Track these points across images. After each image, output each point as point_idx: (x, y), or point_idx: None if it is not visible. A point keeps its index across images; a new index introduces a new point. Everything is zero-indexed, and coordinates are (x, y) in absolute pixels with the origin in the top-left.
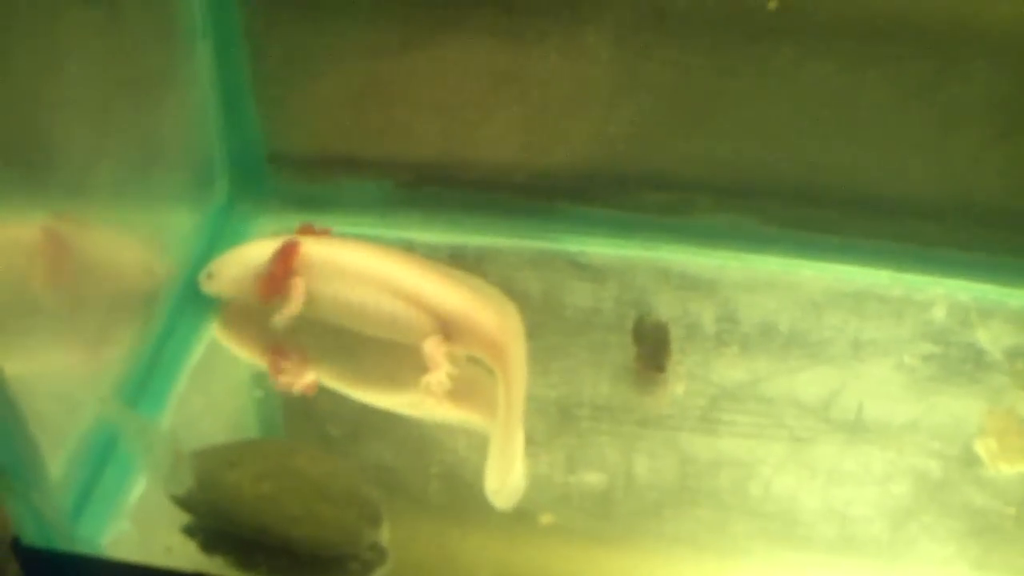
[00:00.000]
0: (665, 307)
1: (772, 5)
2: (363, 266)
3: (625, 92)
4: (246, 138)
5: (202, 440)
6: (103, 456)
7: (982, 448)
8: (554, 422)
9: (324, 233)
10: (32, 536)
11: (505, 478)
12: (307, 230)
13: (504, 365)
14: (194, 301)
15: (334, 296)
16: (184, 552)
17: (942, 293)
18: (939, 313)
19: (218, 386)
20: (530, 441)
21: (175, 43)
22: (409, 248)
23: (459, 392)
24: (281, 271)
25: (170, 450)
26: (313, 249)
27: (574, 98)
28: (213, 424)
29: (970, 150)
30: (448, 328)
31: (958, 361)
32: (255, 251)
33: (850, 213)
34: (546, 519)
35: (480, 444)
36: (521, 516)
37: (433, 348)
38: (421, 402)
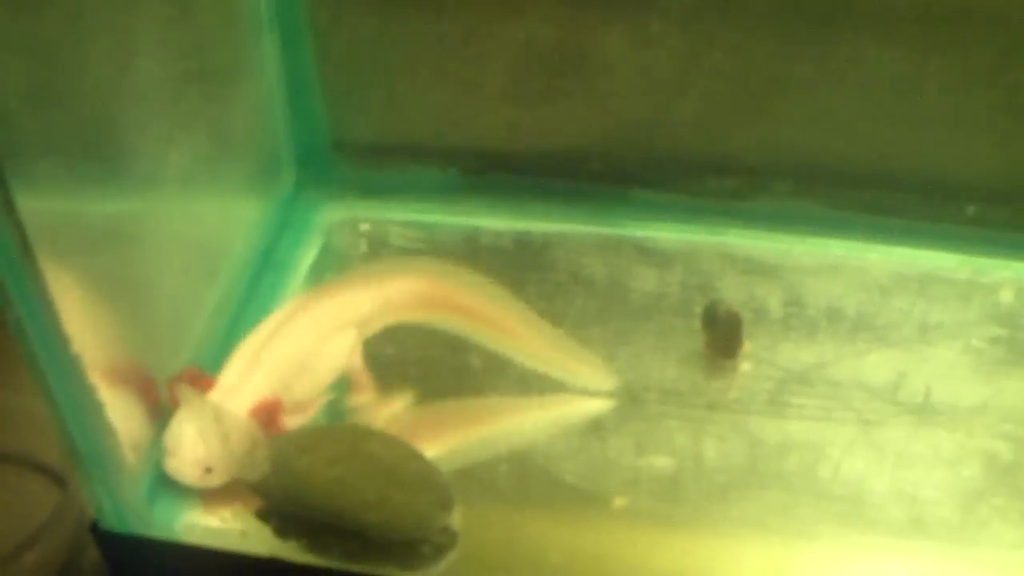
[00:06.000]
0: (731, 291)
1: None
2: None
3: (690, 78)
4: (312, 127)
5: None
6: None
7: None
8: (622, 406)
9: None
10: (110, 520)
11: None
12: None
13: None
14: (262, 286)
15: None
16: (258, 536)
17: (1009, 276)
18: (1007, 296)
19: None
20: (598, 426)
21: (242, 35)
22: (475, 235)
23: None
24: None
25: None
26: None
27: (639, 85)
28: None
29: None
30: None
31: None
32: (217, 426)
33: (916, 197)
34: (619, 502)
35: (547, 427)
36: (591, 499)
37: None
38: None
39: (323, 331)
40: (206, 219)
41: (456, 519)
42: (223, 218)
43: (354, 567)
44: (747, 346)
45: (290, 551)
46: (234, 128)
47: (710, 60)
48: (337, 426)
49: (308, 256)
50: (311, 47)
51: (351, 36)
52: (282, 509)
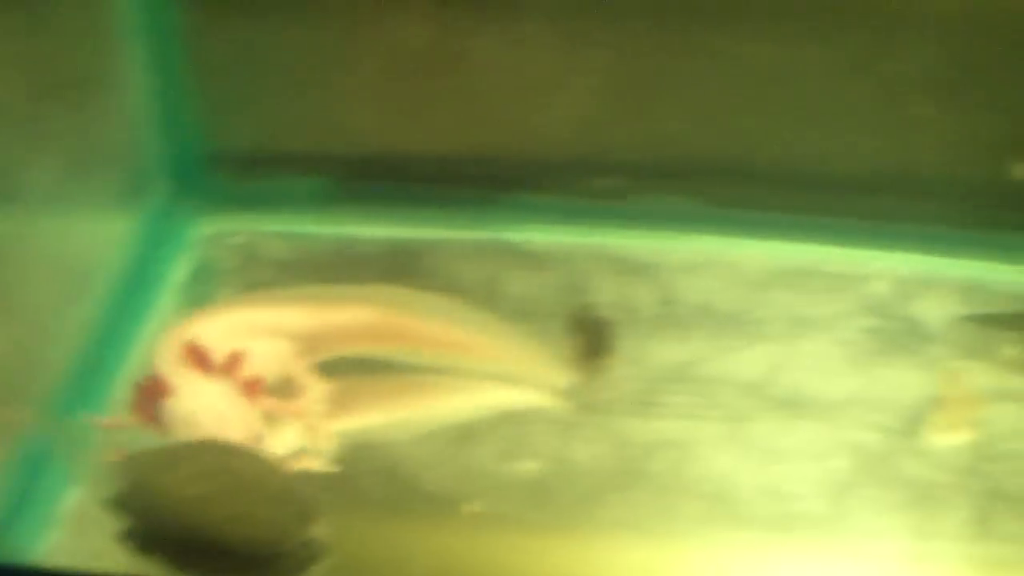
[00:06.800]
0: (605, 292)
1: None
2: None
3: (564, 78)
4: (185, 139)
5: (141, 444)
6: (36, 465)
7: (932, 418)
8: (492, 412)
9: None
10: None
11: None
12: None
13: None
14: (136, 300)
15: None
16: (119, 556)
17: (883, 267)
18: (880, 287)
19: None
20: (468, 432)
21: (107, 45)
22: (350, 244)
23: None
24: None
25: (101, 455)
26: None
27: (514, 86)
28: None
29: (908, 123)
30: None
31: (898, 333)
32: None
33: (790, 190)
34: (473, 508)
35: (415, 439)
36: (457, 508)
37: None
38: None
39: (239, 334)
40: (73, 235)
41: (321, 532)
42: (93, 233)
43: None
44: (618, 347)
45: (152, 569)
46: (101, 141)
47: (583, 60)
48: (198, 443)
49: (182, 269)
50: (181, 57)
51: (222, 45)
52: (145, 528)
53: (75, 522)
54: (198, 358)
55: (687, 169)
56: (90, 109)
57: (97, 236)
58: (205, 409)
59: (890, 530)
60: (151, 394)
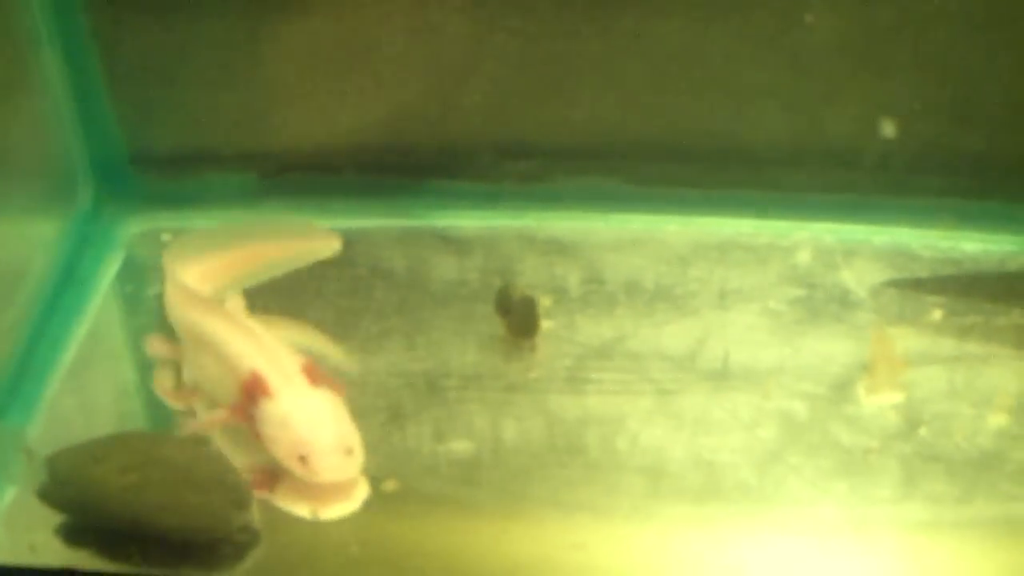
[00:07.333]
0: (531, 273)
1: None
2: None
3: (476, 64)
4: (107, 141)
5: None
6: None
7: (862, 381)
8: (421, 395)
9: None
10: None
11: None
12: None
13: None
14: (64, 303)
15: None
16: (51, 549)
17: (807, 237)
18: (804, 257)
19: (92, 389)
20: (397, 414)
21: (17, 52)
22: None
23: None
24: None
25: (23, 451)
26: None
27: (426, 74)
28: (88, 426)
29: (820, 93)
30: None
31: (823, 302)
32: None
33: (711, 165)
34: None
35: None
36: (390, 489)
37: None
38: None
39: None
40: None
41: (255, 518)
42: (20, 237)
43: (155, 571)
44: (545, 325)
45: (86, 560)
46: (18, 148)
47: (494, 45)
48: (130, 434)
49: (110, 270)
50: (97, 60)
51: (138, 44)
52: (80, 521)
53: (10, 519)
54: (309, 372)
55: (605, 149)
56: (7, 115)
57: (24, 240)
58: (300, 413)
59: (823, 497)
60: (252, 392)
